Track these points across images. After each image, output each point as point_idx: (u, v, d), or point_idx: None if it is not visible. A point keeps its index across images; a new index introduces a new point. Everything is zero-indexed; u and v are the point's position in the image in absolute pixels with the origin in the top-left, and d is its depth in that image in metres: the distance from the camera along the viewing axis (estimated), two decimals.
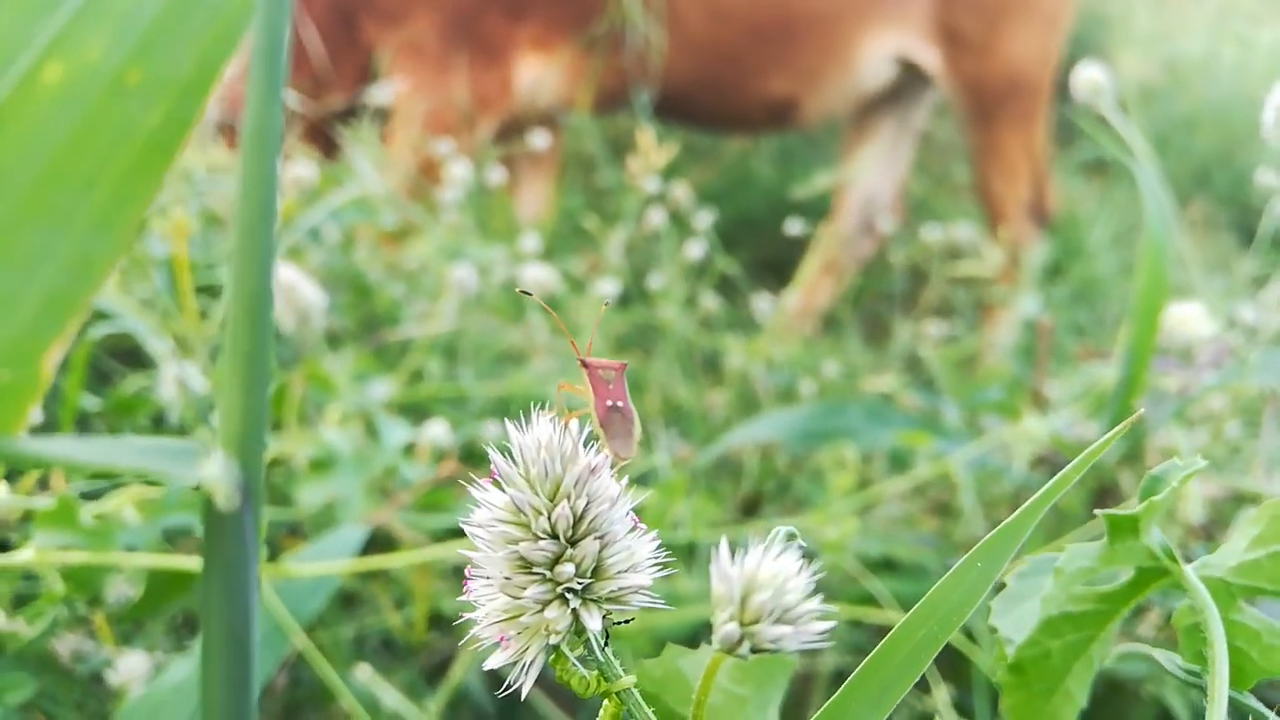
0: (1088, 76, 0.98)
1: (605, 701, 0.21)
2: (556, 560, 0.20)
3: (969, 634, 0.85)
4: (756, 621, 0.20)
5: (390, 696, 0.70)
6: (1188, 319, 0.96)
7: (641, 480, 0.98)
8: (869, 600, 0.91)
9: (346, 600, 0.90)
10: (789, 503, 1.22)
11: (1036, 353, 1.15)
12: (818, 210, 2.32)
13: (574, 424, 0.21)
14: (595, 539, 0.20)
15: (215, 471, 0.14)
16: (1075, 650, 0.34)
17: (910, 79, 2.23)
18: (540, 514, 0.20)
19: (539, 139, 1.65)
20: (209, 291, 1.00)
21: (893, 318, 2.06)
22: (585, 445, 0.21)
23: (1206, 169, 3.39)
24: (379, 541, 0.78)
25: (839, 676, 0.96)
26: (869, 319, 2.34)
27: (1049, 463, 0.95)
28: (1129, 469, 0.98)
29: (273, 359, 0.14)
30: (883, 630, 0.93)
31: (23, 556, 0.58)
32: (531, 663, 0.20)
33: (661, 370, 1.38)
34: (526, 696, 0.85)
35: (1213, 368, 1.03)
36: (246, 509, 0.15)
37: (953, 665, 0.90)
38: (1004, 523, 0.24)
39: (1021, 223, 2.19)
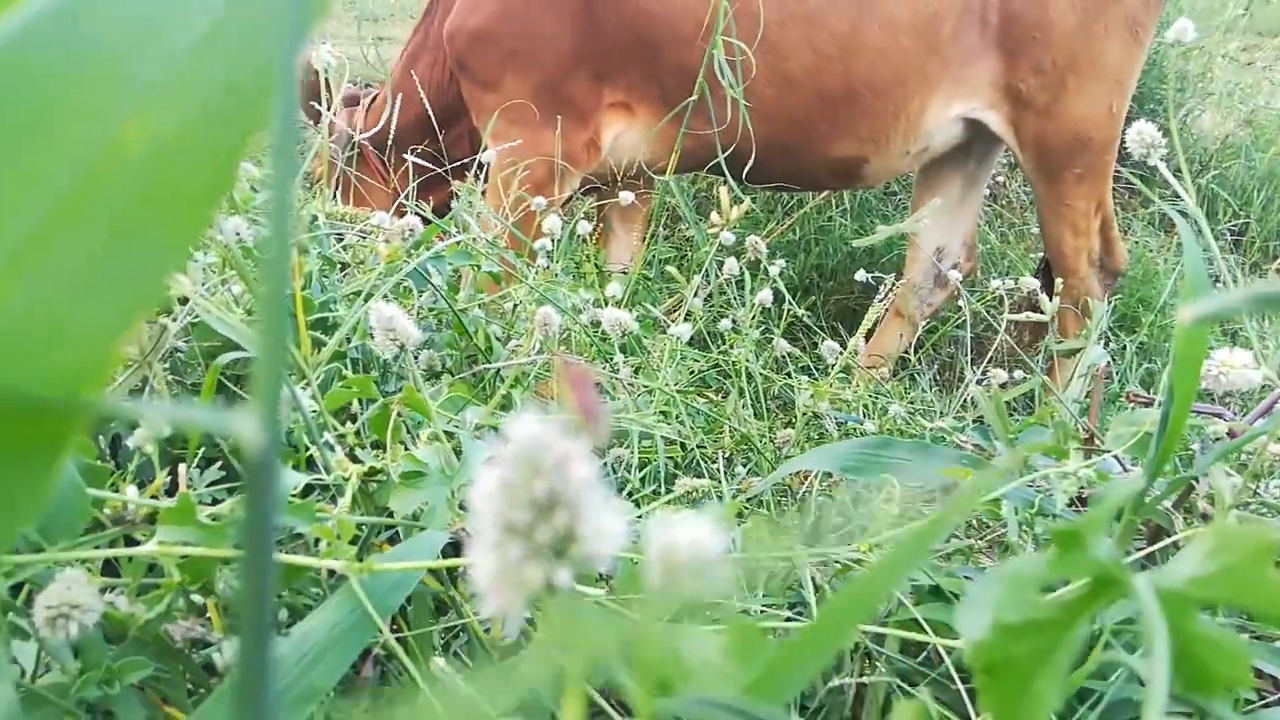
0: (1140, 132, 0.98)
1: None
2: (535, 528, 0.24)
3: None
4: (677, 570, 0.23)
5: (465, 690, 0.74)
6: (1233, 365, 0.94)
7: (697, 504, 1.01)
8: (917, 627, 0.91)
9: (436, 606, 0.94)
10: (850, 534, 1.22)
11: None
12: (892, 261, 2.32)
13: (555, 415, 0.24)
14: (568, 511, 0.24)
15: (247, 429, 0.18)
16: (1040, 656, 0.36)
17: (978, 136, 2.22)
18: (524, 489, 0.24)
19: (626, 195, 1.70)
20: (323, 326, 1.07)
21: (963, 364, 2.04)
22: (565, 436, 0.24)
23: None
24: (463, 550, 0.82)
25: (889, 699, 0.96)
26: (943, 365, 2.32)
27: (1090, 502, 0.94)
28: (1181, 512, 0.97)
29: (288, 346, 0.18)
30: (929, 655, 0.93)
31: (147, 549, 0.64)
32: (516, 612, 0.24)
33: (734, 407, 1.41)
34: (596, 700, 0.88)
35: (1265, 415, 1.01)
36: (268, 457, 0.18)
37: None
38: (932, 517, 0.26)
39: (1090, 277, 2.15)
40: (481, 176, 1.82)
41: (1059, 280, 1.94)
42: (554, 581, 0.23)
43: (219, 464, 0.82)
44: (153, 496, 0.68)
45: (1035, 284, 1.70)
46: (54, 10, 0.17)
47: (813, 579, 0.78)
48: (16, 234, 0.17)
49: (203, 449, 0.86)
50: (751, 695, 0.25)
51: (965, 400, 1.65)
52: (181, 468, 0.75)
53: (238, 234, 0.96)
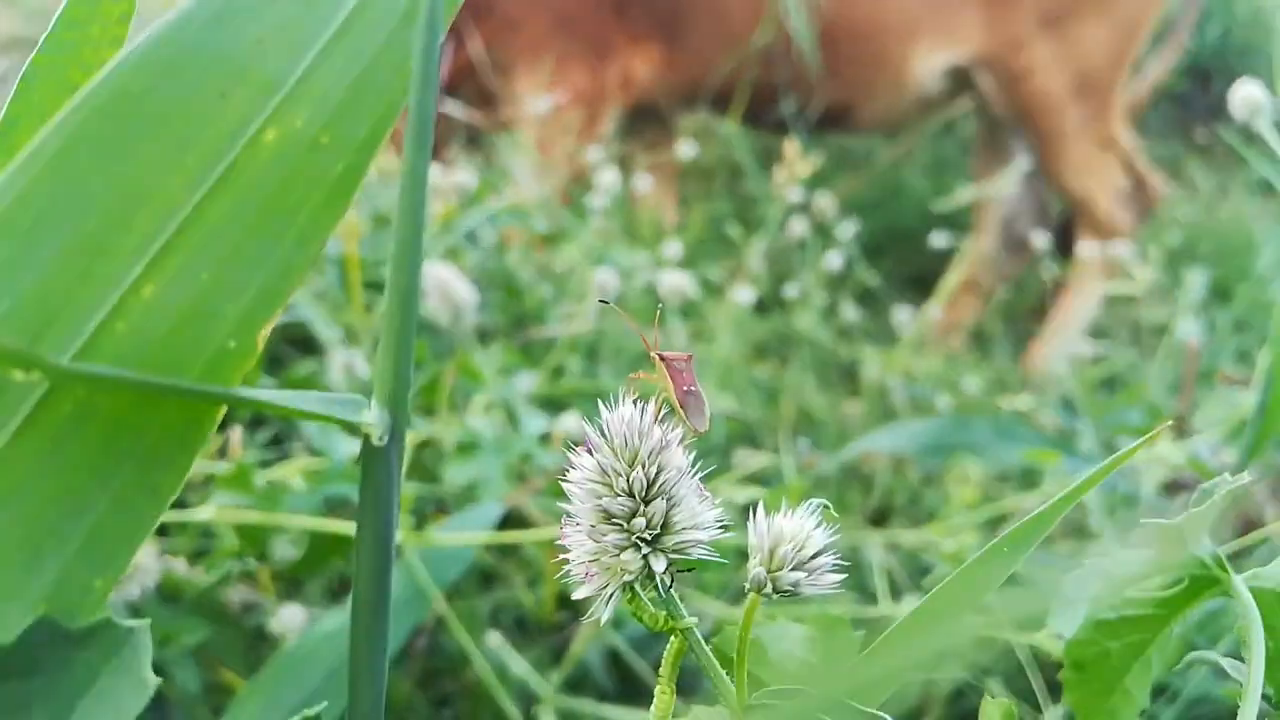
0: (1245, 94, 0.96)
1: (671, 638, 0.26)
2: (632, 515, 0.25)
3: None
4: (780, 569, 0.24)
5: (518, 665, 0.77)
6: None
7: (765, 482, 1.02)
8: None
9: (485, 578, 0.97)
10: (918, 516, 1.23)
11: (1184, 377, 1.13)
12: (968, 223, 2.29)
13: (651, 405, 0.26)
14: (664, 500, 0.25)
15: (372, 417, 0.19)
16: (1133, 652, 0.37)
17: None
18: (620, 476, 0.25)
19: (686, 148, 1.70)
20: (375, 287, 1.09)
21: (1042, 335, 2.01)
22: (660, 423, 0.26)
23: None
24: (515, 523, 0.84)
25: (957, 693, 0.97)
26: (1021, 336, 2.29)
27: (1184, 488, 0.94)
28: (1275, 502, 0.96)
29: (413, 335, 0.19)
30: (1000, 648, 0.94)
31: (204, 513, 0.67)
32: (610, 596, 0.25)
33: (796, 378, 1.41)
34: (643, 678, 0.90)
35: None
36: (392, 445, 0.20)
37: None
38: (1032, 513, 0.27)
39: (1112, 217, 2.13)
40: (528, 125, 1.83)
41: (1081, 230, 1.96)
42: (650, 569, 0.25)
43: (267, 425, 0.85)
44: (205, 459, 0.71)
45: (1127, 251, 1.67)
46: (202, 18, 0.18)
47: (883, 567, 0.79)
48: (165, 231, 0.18)
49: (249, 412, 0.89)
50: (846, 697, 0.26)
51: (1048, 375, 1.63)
52: (233, 430, 0.78)
53: None
